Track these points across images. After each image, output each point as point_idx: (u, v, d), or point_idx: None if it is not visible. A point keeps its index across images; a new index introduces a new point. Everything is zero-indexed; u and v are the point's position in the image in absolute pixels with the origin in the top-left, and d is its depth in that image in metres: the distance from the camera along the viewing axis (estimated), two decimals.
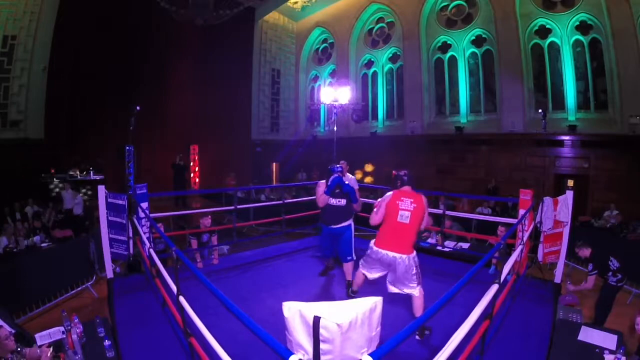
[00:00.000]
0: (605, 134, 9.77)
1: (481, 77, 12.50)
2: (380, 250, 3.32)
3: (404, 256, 3.21)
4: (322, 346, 2.36)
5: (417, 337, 3.27)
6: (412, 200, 3.31)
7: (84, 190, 10.03)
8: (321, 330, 2.32)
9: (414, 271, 3.24)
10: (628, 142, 9.28)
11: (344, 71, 15.78)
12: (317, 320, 2.31)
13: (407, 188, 3.41)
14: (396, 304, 3.93)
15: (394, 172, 3.67)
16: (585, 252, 4.26)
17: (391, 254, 3.25)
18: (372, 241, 3.46)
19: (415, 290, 3.27)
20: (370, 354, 1.37)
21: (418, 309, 3.28)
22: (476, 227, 7.19)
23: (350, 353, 2.49)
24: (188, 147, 13.67)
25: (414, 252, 3.29)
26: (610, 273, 4.09)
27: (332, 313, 2.51)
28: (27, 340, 3.02)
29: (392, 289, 3.38)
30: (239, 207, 6.21)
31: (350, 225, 4.30)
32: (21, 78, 11.02)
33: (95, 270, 6.03)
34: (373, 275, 3.51)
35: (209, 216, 5.43)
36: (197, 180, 13.85)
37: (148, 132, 11.51)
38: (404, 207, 3.28)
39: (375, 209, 3.50)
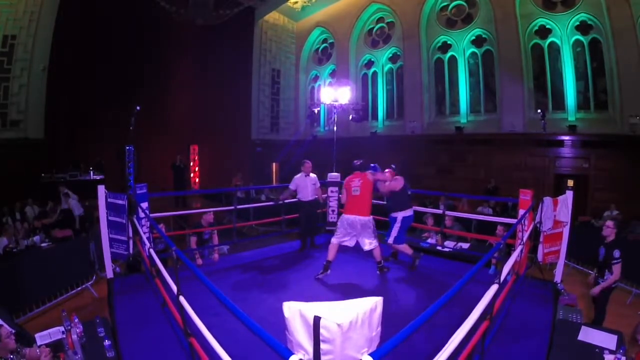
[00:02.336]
0: (605, 134, 9.77)
1: (481, 77, 12.51)
2: (348, 216, 4.65)
3: (364, 218, 4.58)
4: (323, 346, 2.36)
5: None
6: (359, 179, 4.69)
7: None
8: (321, 330, 2.32)
9: (371, 229, 4.64)
10: (628, 142, 9.29)
11: (344, 71, 15.78)
12: (317, 320, 2.31)
13: (356, 173, 4.77)
14: (397, 304, 3.93)
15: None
16: (612, 231, 4.02)
17: (353, 217, 4.61)
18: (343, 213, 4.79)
19: (373, 243, 4.66)
20: (370, 354, 1.37)
21: (377, 255, 4.77)
22: (476, 227, 7.19)
23: (350, 353, 2.48)
24: (188, 147, 13.67)
25: (371, 217, 4.65)
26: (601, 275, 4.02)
27: (333, 313, 2.51)
28: (27, 340, 3.02)
29: (361, 244, 4.72)
30: (239, 207, 6.22)
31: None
32: (21, 78, 11.02)
33: (95, 270, 6.03)
34: (345, 241, 4.73)
35: (212, 212, 5.45)
36: (197, 180, 13.85)
37: (148, 132, 11.49)
38: (355, 185, 4.67)
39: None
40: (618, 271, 3.92)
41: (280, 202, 6.02)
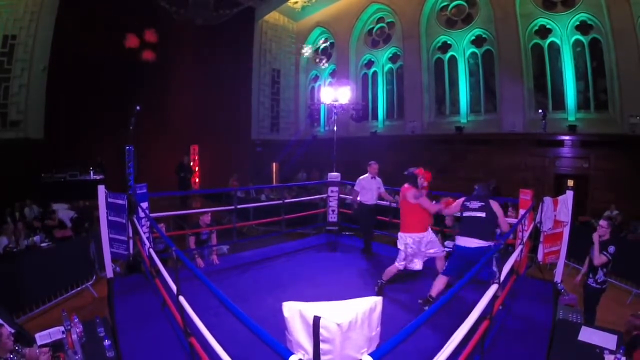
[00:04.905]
0: (605, 134, 9.76)
1: (481, 77, 12.50)
2: None
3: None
4: (322, 346, 2.36)
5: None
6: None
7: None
8: (321, 330, 2.33)
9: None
10: (628, 142, 9.28)
11: (344, 71, 15.78)
12: (317, 320, 2.31)
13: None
14: (396, 304, 3.93)
15: None
16: (606, 231, 3.94)
17: None
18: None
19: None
20: (370, 354, 1.37)
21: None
22: None
23: (350, 353, 2.48)
24: (188, 147, 13.66)
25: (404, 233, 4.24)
26: (593, 275, 3.98)
27: (332, 313, 2.51)
28: (27, 340, 3.02)
29: None
30: (239, 207, 6.22)
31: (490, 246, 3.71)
32: (21, 78, 11.01)
33: (95, 270, 6.03)
34: None
35: (209, 213, 5.44)
36: (197, 180, 13.83)
37: (148, 132, 11.48)
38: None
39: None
40: (602, 261, 3.85)
41: (356, 206, 5.64)
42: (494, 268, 3.90)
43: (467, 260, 3.63)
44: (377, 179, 5.57)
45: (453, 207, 4.06)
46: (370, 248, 5.78)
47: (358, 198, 5.59)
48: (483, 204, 3.79)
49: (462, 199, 3.99)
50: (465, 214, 3.84)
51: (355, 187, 5.61)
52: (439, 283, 3.84)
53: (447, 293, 2.09)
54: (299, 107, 17.76)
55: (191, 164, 13.56)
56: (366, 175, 5.57)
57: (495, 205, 3.77)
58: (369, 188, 5.50)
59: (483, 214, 3.74)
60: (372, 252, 5.73)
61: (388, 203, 5.77)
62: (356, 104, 9.93)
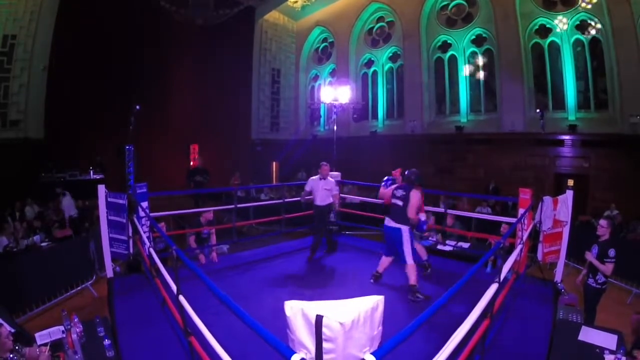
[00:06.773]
0: (605, 133, 9.77)
1: (481, 76, 12.50)
2: None
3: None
4: (325, 345, 2.36)
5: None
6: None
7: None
8: (324, 329, 2.32)
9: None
10: (628, 141, 9.28)
11: (344, 70, 15.77)
12: (319, 319, 2.31)
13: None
14: (398, 303, 3.93)
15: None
16: (606, 230, 3.91)
17: None
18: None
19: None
20: (372, 353, 1.37)
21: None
22: (476, 227, 7.17)
23: (352, 352, 2.48)
24: (188, 147, 13.65)
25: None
26: (593, 275, 3.96)
27: (335, 312, 2.51)
28: (27, 339, 3.01)
29: None
30: (239, 206, 6.21)
31: (400, 228, 4.29)
32: (21, 78, 11.02)
33: (95, 270, 6.02)
34: None
35: (211, 210, 5.46)
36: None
37: (148, 131, 11.48)
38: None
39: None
40: (610, 269, 3.81)
41: (302, 200, 5.77)
42: (403, 248, 4.23)
43: (387, 237, 4.41)
44: (329, 180, 5.53)
45: (383, 193, 4.67)
46: (326, 246, 5.92)
47: (307, 197, 5.66)
48: (405, 193, 4.29)
49: (393, 187, 4.51)
50: (392, 200, 4.41)
51: (305, 187, 5.62)
52: (385, 263, 4.56)
53: (448, 293, 2.08)
54: (298, 107, 17.75)
55: (191, 163, 13.53)
56: (317, 176, 5.53)
57: (414, 196, 4.21)
58: (316, 189, 5.47)
59: (401, 203, 4.29)
60: (335, 249, 5.98)
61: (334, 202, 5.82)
62: (356, 104, 9.94)
